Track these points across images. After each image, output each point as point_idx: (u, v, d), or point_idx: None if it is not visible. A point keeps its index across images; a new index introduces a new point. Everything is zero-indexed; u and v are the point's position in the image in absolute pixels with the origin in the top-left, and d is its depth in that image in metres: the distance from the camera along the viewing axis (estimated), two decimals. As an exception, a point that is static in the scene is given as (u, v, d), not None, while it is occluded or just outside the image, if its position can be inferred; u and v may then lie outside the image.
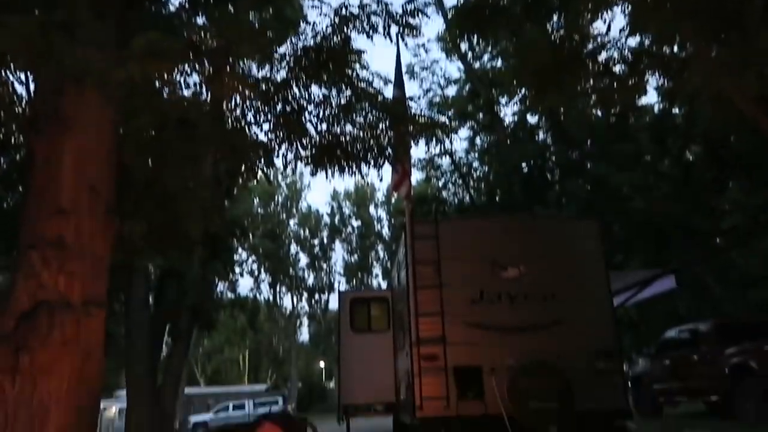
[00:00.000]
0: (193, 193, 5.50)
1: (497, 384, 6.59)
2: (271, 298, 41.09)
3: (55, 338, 3.60)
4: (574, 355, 6.75)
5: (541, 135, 21.07)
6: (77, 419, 3.63)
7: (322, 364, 45.18)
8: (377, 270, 42.02)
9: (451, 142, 20.22)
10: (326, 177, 5.52)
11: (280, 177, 42.03)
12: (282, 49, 5.01)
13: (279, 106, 5.05)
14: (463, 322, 6.92)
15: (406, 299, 7.40)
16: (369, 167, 5.63)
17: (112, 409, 23.10)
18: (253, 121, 5.10)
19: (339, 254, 49.04)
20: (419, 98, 20.18)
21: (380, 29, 5.14)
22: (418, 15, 5.30)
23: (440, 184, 23.97)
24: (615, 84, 7.92)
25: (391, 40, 5.36)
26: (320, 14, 5.00)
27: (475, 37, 9.61)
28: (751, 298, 17.52)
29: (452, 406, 6.65)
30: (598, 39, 7.87)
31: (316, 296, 42.06)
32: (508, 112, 24.10)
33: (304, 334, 47.58)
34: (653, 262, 14.30)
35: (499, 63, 20.19)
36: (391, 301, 9.49)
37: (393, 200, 40.61)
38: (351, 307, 9.73)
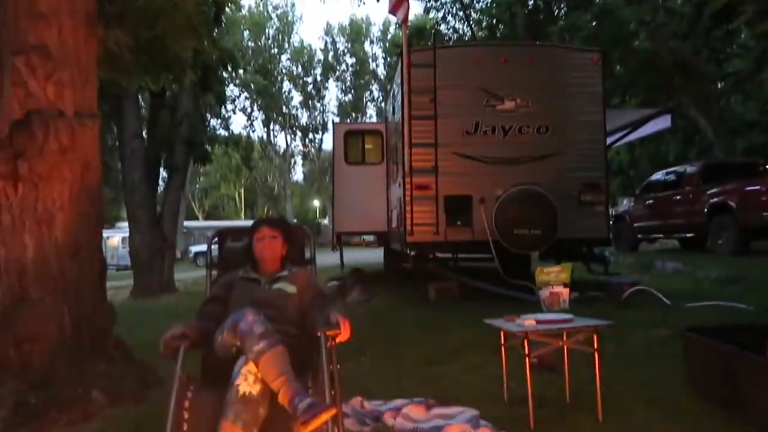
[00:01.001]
0: (180, 10, 5.22)
1: (485, 212, 6.86)
2: (264, 136, 41.10)
3: (52, 147, 3.63)
4: (562, 186, 6.94)
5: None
6: (81, 225, 3.78)
7: (316, 202, 46.48)
8: (371, 111, 41.59)
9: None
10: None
11: (270, 8, 39.74)
12: None
13: None
14: (456, 153, 7.00)
15: (400, 130, 7.41)
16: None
17: (115, 238, 24.12)
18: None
19: (333, 93, 48.01)
20: None
21: None
22: None
23: (439, 16, 22.79)
24: None
25: None
26: None
27: None
28: (741, 145, 17.72)
29: (441, 232, 6.97)
30: None
31: (310, 135, 42.08)
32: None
33: (298, 174, 48.40)
34: (652, 103, 14.15)
35: None
36: (385, 133, 9.50)
37: (389, 35, 38.91)
38: (345, 139, 9.76)
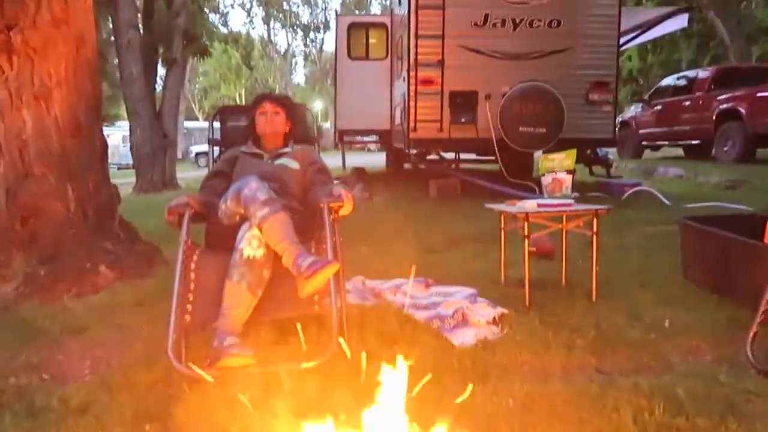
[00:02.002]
0: None
1: (490, 109, 6.74)
2: (265, 35, 39.66)
3: (45, 18, 3.49)
4: (571, 84, 6.77)
5: None
6: (80, 102, 3.72)
7: (318, 105, 45.67)
8: (376, 9, 39.85)
9: None
10: None
11: None
12: None
13: None
14: (463, 47, 6.77)
15: (406, 22, 7.12)
16: None
17: (116, 136, 23.91)
18: None
19: (336, -11, 45.75)
20: None
21: None
22: None
23: None
24: None
25: None
26: None
27: None
28: (757, 53, 17.14)
29: (445, 129, 6.89)
30: None
31: (312, 35, 40.63)
32: None
33: (299, 76, 47.22)
34: (670, 3, 13.51)
35: None
36: (390, 27, 9.15)
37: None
38: (348, 32, 9.41)
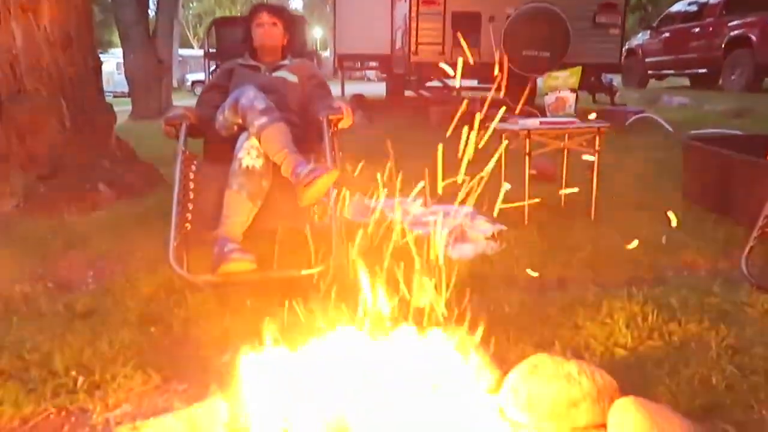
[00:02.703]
0: None
1: (494, 31, 6.54)
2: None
3: None
4: (578, 5, 6.54)
5: None
6: (69, 15, 3.60)
7: (316, 33, 44.41)
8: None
9: None
10: None
11: None
12: None
13: None
14: (468, -35, 6.50)
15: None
16: None
17: (110, 62, 23.32)
18: None
19: None
20: None
21: None
22: None
23: None
24: None
25: None
26: None
27: None
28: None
29: (447, 52, 6.71)
30: None
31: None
32: None
33: (297, 1, 45.64)
34: None
35: None
36: (391, -55, 8.74)
37: None
38: (348, -50, 9.01)
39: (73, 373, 1.69)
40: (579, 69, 3.22)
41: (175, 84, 18.76)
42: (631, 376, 1.62)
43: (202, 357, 1.74)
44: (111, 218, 3.26)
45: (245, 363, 1.50)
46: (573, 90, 3.24)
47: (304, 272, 2.06)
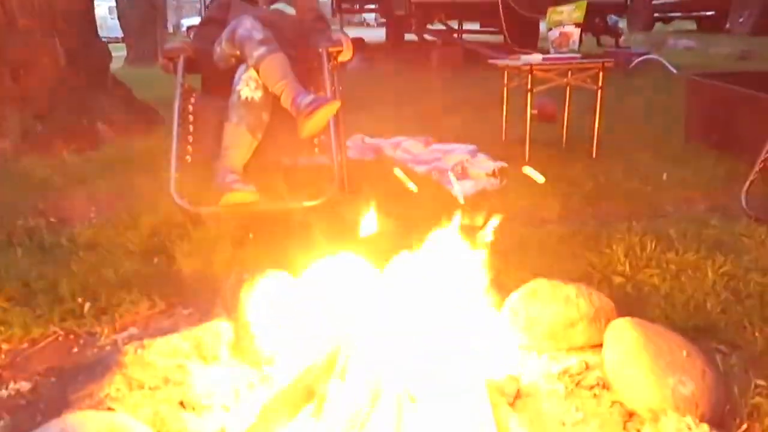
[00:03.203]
0: None
1: (497, -31, 6.35)
2: None
3: None
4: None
5: None
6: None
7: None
8: None
9: None
10: None
11: None
12: None
13: None
14: None
15: None
16: None
17: (102, 6, 22.73)
18: None
19: None
20: None
21: None
22: None
23: None
24: None
25: None
26: None
27: None
28: None
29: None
30: None
31: None
32: None
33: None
34: None
35: None
36: None
37: None
38: None
39: (80, 299, 1.72)
40: (584, 3, 3.13)
41: (170, 29, 18.35)
42: (627, 301, 1.65)
43: (205, 284, 1.77)
44: (111, 157, 3.25)
45: (249, 286, 1.53)
46: (577, 25, 3.16)
47: (306, 204, 2.07)
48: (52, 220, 2.40)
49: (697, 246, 1.97)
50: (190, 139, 2.21)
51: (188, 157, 2.19)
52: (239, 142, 2.15)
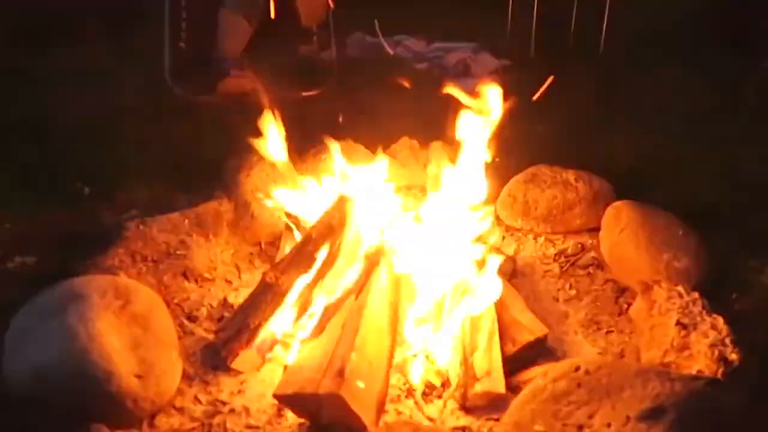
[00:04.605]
0: None
1: None
2: None
3: None
4: None
5: None
6: None
7: None
8: None
9: None
10: None
11: None
12: None
13: None
14: None
15: None
16: None
17: None
18: None
19: None
20: None
21: None
22: None
23: None
24: None
25: None
26: None
27: None
28: None
29: None
30: None
31: None
32: None
33: None
34: None
35: None
36: None
37: None
38: None
39: (79, 183, 1.72)
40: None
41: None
42: (628, 187, 1.65)
43: (205, 168, 1.76)
44: (101, 52, 3.13)
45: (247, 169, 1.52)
46: None
47: (305, 94, 2.03)
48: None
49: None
50: (183, 25, 2.12)
51: (182, 44, 2.11)
52: (235, 29, 2.07)
